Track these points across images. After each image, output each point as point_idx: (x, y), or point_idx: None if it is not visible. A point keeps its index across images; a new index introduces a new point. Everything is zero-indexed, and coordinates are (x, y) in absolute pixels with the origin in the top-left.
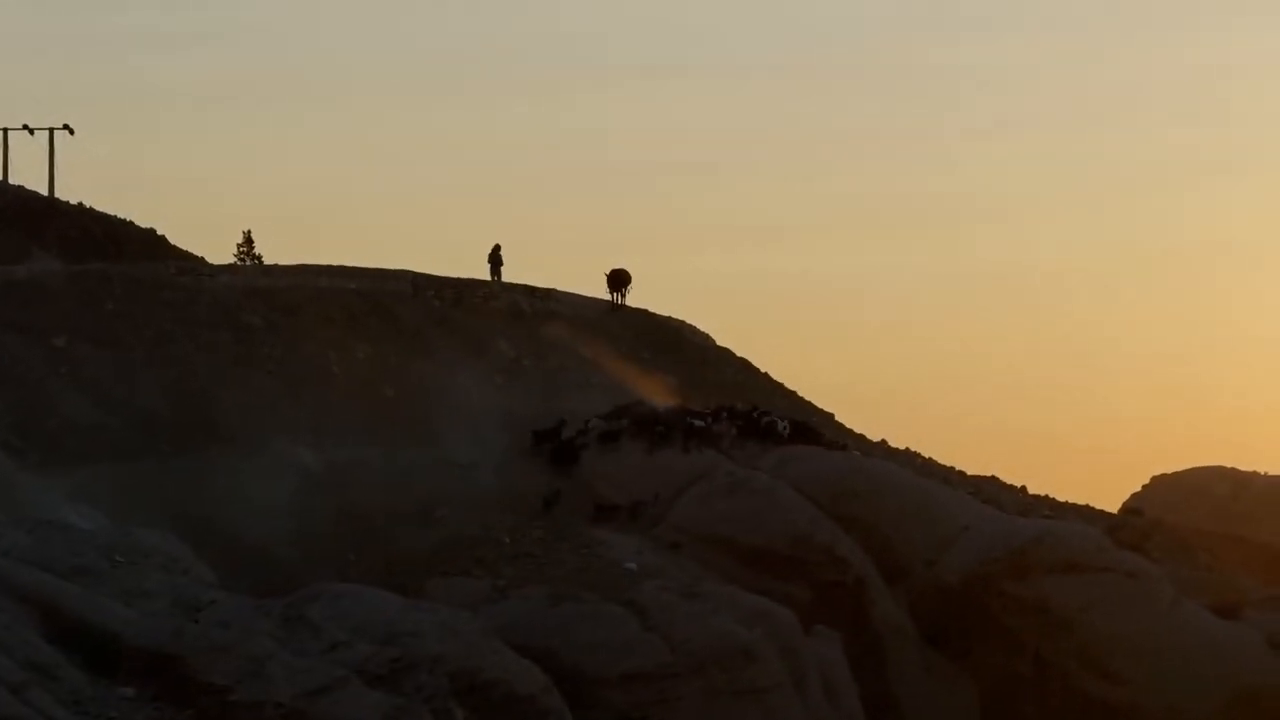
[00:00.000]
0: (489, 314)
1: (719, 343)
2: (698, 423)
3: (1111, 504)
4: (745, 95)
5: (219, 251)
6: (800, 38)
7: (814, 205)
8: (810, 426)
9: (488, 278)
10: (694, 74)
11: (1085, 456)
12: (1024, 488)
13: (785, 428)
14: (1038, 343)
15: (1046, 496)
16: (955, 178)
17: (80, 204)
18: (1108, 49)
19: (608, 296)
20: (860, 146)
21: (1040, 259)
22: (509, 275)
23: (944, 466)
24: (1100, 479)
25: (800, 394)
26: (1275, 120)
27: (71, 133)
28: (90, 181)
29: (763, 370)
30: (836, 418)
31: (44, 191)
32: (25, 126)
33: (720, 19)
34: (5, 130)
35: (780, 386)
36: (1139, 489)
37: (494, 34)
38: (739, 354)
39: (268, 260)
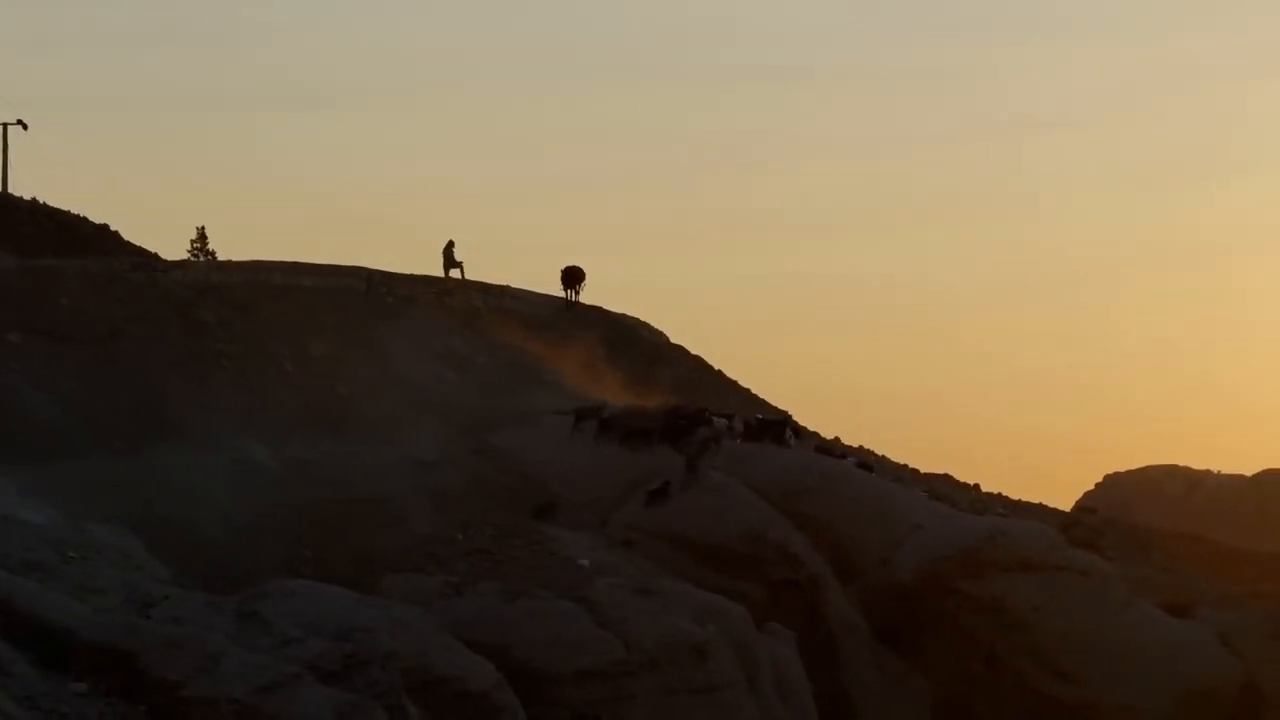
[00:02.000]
0: (443, 311)
1: (672, 340)
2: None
3: (1065, 502)
4: (701, 99)
5: (172, 247)
6: (754, 39)
7: (767, 206)
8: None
9: (441, 274)
10: (651, 77)
11: (1038, 455)
12: (977, 486)
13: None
14: (989, 343)
15: (1000, 495)
16: (913, 178)
17: (34, 199)
18: (1122, 48)
19: (562, 294)
20: (821, 147)
21: (991, 262)
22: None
23: (897, 465)
24: (1054, 477)
25: (754, 392)
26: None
27: (25, 128)
28: (43, 177)
29: (716, 368)
30: (792, 416)
31: None
32: None
33: (681, 22)
34: None
35: (734, 384)
36: (1092, 487)
37: (450, 35)
38: (693, 351)
39: (221, 256)
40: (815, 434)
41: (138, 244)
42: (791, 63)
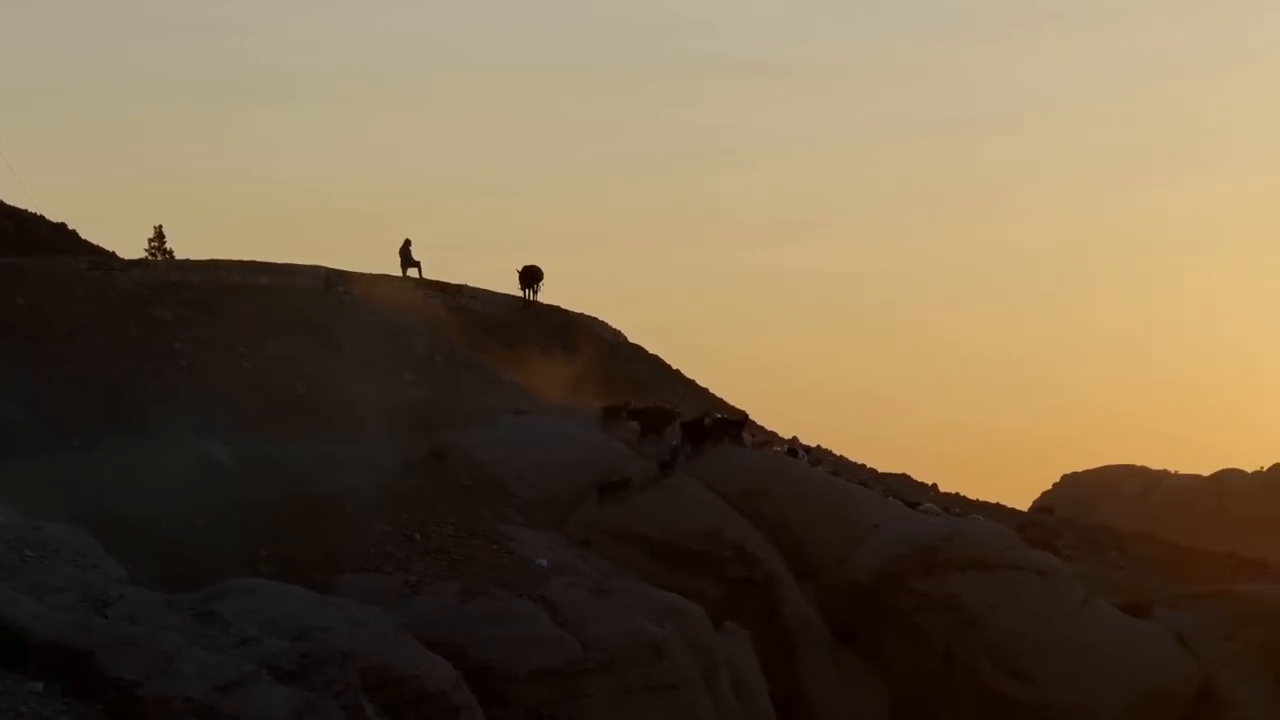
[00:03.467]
0: (400, 310)
1: (630, 339)
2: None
3: (1022, 502)
4: (664, 94)
5: (130, 246)
6: (717, 35)
7: (727, 202)
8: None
9: (399, 273)
10: (614, 72)
11: (996, 454)
12: (935, 485)
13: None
14: (948, 340)
15: (957, 494)
16: (876, 175)
17: None
18: (1087, 44)
19: (519, 293)
20: (784, 143)
21: (950, 258)
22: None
23: (855, 464)
24: (1011, 477)
25: (712, 391)
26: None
27: None
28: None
29: (674, 367)
30: (750, 415)
31: None
32: None
33: (643, 17)
34: None
35: (692, 384)
36: (1049, 487)
37: (407, 33)
38: (651, 350)
39: (179, 255)
40: (773, 433)
41: (95, 243)
42: (755, 59)
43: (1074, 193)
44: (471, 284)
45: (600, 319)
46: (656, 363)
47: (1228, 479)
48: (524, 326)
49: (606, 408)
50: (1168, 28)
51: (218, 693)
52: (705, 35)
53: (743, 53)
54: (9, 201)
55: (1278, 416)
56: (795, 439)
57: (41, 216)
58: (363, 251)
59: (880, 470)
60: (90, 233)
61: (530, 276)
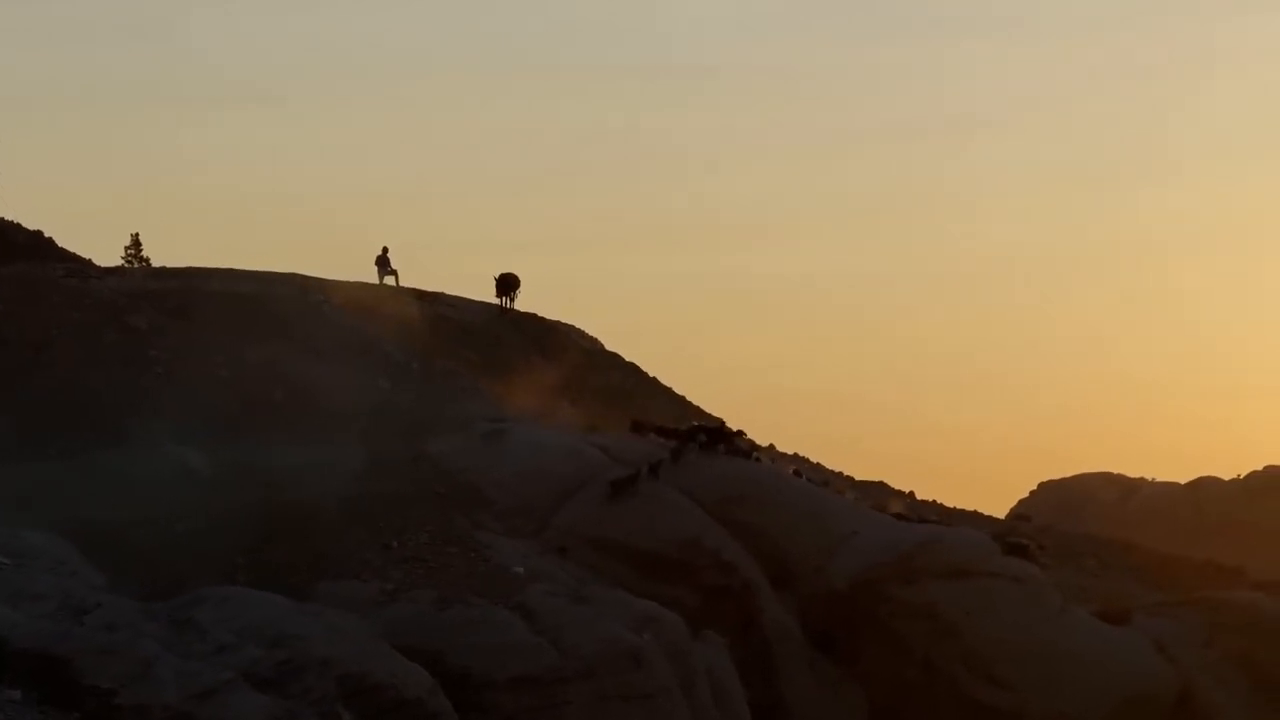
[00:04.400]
0: (377, 317)
1: (607, 347)
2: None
3: (999, 509)
4: (636, 99)
5: (107, 254)
6: (687, 40)
7: (702, 207)
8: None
9: (376, 280)
10: (584, 77)
11: (973, 462)
12: (912, 493)
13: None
14: (924, 347)
15: (934, 502)
16: (848, 178)
17: None
18: (1068, 47)
19: (496, 300)
20: (757, 148)
21: (925, 264)
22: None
23: (832, 472)
24: (988, 484)
25: (689, 399)
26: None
27: None
28: None
29: (651, 375)
30: (726, 423)
31: None
32: None
33: (615, 23)
34: None
35: (669, 391)
36: (1027, 494)
37: (383, 39)
38: (627, 359)
39: (155, 263)
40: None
41: (72, 250)
42: (725, 64)
43: (1050, 197)
44: (449, 291)
45: (577, 327)
46: (633, 370)
47: (1205, 486)
48: (501, 334)
49: (635, 422)
50: (1136, 33)
51: (195, 700)
52: (680, 41)
53: (717, 58)
54: None
55: (1255, 423)
56: (772, 446)
57: (18, 224)
58: (340, 259)
59: (858, 478)
60: (67, 240)
61: (507, 284)
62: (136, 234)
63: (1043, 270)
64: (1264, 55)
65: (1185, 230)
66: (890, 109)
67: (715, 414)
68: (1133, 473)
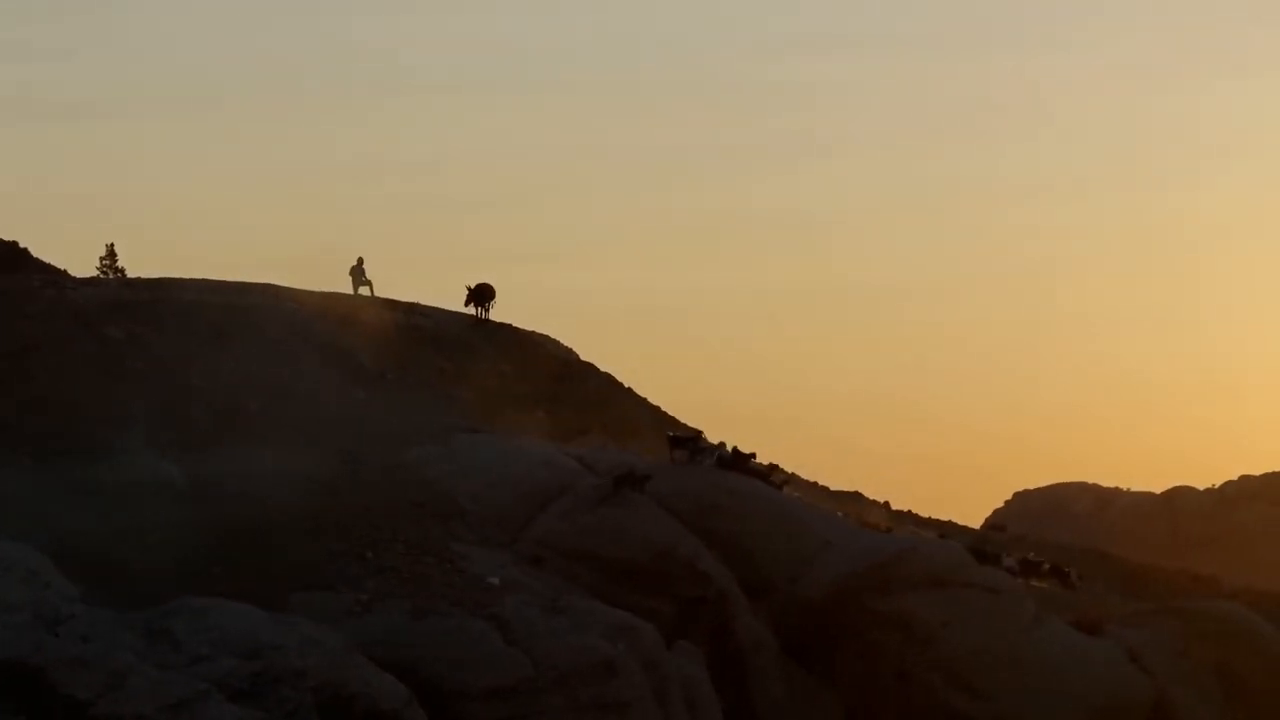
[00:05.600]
0: (352, 328)
1: (582, 357)
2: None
3: (974, 519)
4: (597, 114)
5: (82, 265)
6: (643, 57)
7: (675, 220)
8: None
9: (351, 290)
10: (560, 90)
11: (948, 472)
12: (887, 503)
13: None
14: (897, 358)
15: (909, 512)
16: (802, 194)
17: None
18: (944, 67)
19: (471, 311)
20: (709, 164)
21: (897, 274)
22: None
23: (807, 482)
24: (963, 495)
25: (664, 409)
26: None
27: None
28: None
29: (626, 385)
30: (704, 435)
31: None
32: None
33: (556, 38)
34: None
35: (644, 402)
36: (1001, 505)
37: (357, 51)
38: (602, 369)
39: (130, 273)
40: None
41: (47, 261)
42: (690, 77)
43: (1027, 206)
44: (423, 302)
45: (552, 337)
46: (608, 380)
47: (1181, 496)
48: (476, 344)
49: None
50: (1063, 49)
51: (169, 711)
52: (663, 54)
53: (693, 71)
54: None
55: (1230, 434)
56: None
57: None
58: (315, 269)
59: (833, 488)
60: (42, 251)
61: (482, 294)
62: (111, 244)
63: (1018, 281)
64: (1246, 60)
65: (1164, 240)
66: (861, 120)
67: (690, 424)
68: (1108, 483)
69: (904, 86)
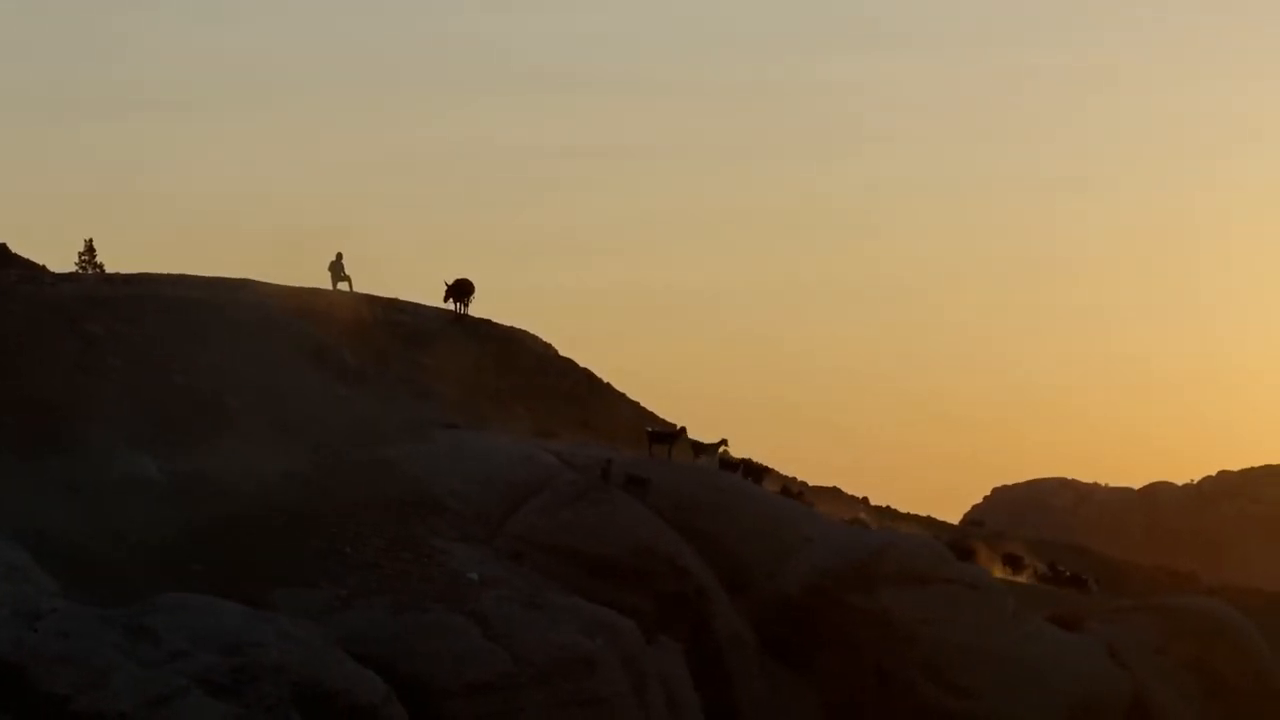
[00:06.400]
0: (331, 323)
1: (561, 353)
2: None
3: (953, 515)
4: (580, 112)
5: (61, 260)
6: (627, 55)
7: (654, 217)
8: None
9: (330, 286)
10: (525, 90)
11: (927, 468)
12: (866, 499)
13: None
14: (878, 354)
15: (888, 507)
16: (784, 191)
17: None
18: (950, 62)
19: (450, 306)
20: (690, 161)
21: (877, 271)
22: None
23: (786, 477)
24: (942, 490)
25: (644, 405)
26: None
27: None
28: None
29: (605, 380)
30: (685, 430)
31: None
32: None
33: (543, 36)
34: None
35: (623, 397)
36: (980, 500)
37: (339, 47)
38: (581, 364)
39: (109, 269)
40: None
41: (26, 257)
42: (685, 75)
43: (1000, 204)
44: (403, 297)
45: (531, 332)
46: (587, 376)
47: (1159, 492)
48: (455, 340)
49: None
50: (1028, 45)
51: (150, 707)
52: (628, 54)
53: (668, 72)
54: None
55: (1208, 430)
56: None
57: None
58: (294, 265)
59: (811, 484)
60: (20, 247)
61: (461, 290)
62: (90, 240)
63: (994, 278)
64: (1246, 60)
65: (1148, 238)
66: (835, 122)
67: (669, 419)
68: (1086, 478)
69: (886, 85)
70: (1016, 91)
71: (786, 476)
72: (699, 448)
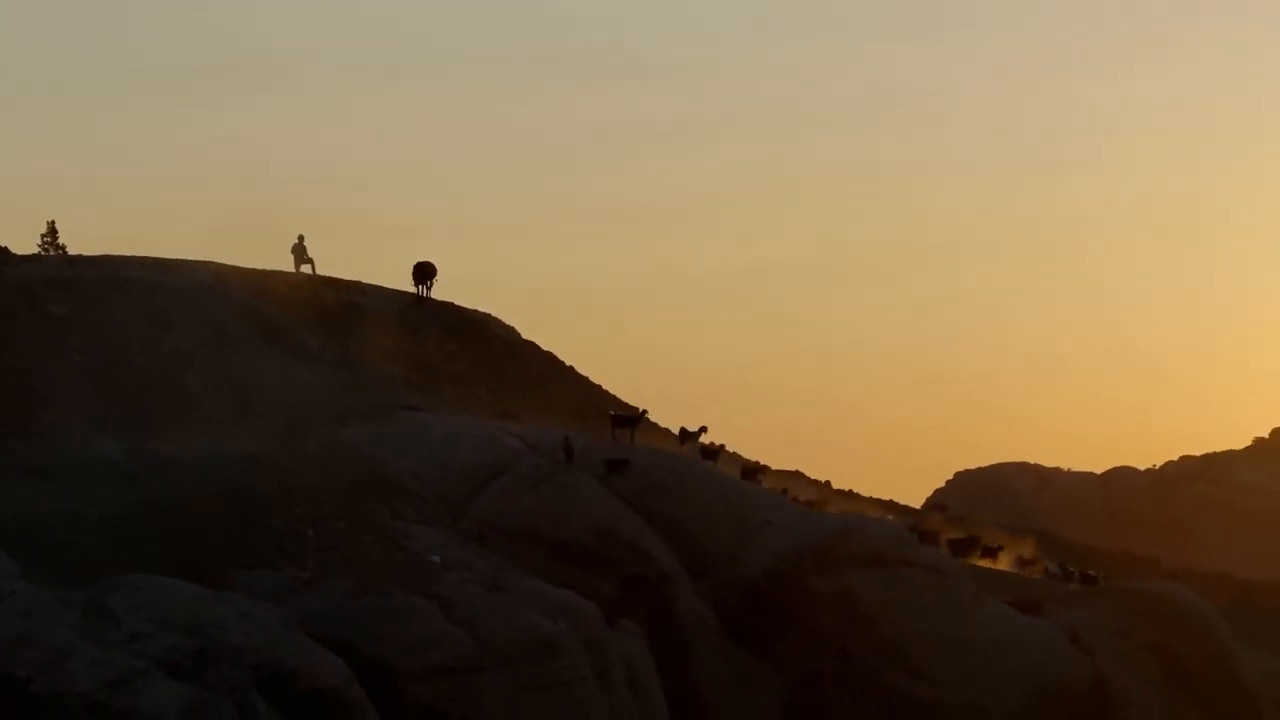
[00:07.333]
0: (293, 306)
1: (524, 336)
2: None
3: (915, 499)
4: (542, 93)
5: (22, 242)
6: (585, 37)
7: (619, 200)
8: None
9: (293, 269)
10: (491, 72)
11: (889, 452)
12: (828, 482)
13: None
14: (838, 339)
15: (850, 491)
16: (735, 176)
17: None
18: (846, 51)
19: (413, 289)
20: (648, 145)
21: (839, 256)
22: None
23: (749, 461)
24: (904, 475)
25: (607, 389)
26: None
27: None
28: None
29: (568, 364)
30: (649, 415)
31: None
32: None
33: (502, 15)
34: None
35: (586, 380)
36: (942, 484)
37: (304, 27)
38: (544, 348)
39: (72, 251)
40: (666, 430)
41: None
42: (654, 59)
43: (970, 186)
44: (365, 280)
45: (494, 315)
46: (550, 359)
47: (1120, 477)
48: (418, 323)
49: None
50: (972, 33)
51: (110, 688)
52: (603, 33)
53: (647, 53)
54: None
55: (1170, 415)
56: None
57: None
58: (257, 248)
59: (774, 467)
60: None
61: (424, 273)
62: (52, 222)
63: (958, 259)
64: (1151, 49)
65: (1102, 221)
66: (782, 104)
67: (632, 402)
68: (1048, 463)
69: (819, 70)
70: (925, 77)
71: (748, 459)
72: (685, 435)
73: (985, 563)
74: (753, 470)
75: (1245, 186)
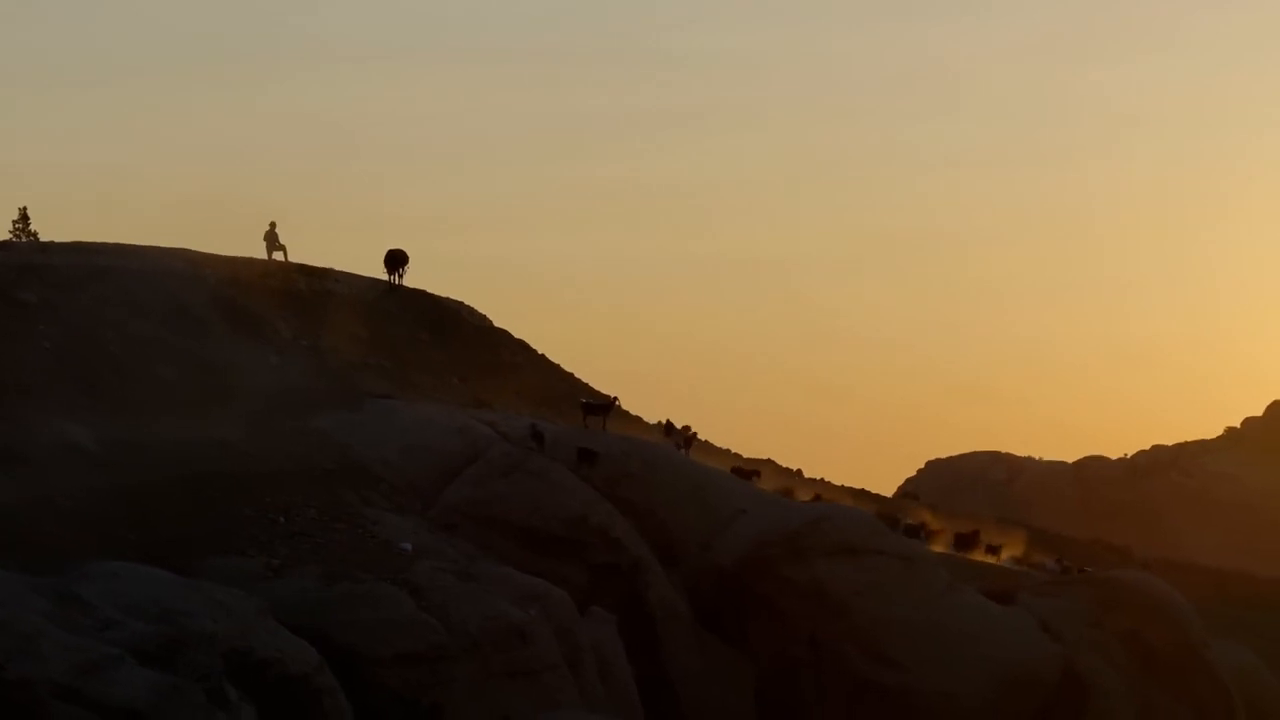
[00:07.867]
0: (265, 293)
1: (496, 324)
2: None
3: (887, 488)
4: (514, 81)
5: None
6: (546, 26)
7: (592, 187)
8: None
9: (265, 256)
10: (467, 60)
11: (861, 440)
12: (800, 471)
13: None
14: (809, 328)
15: (822, 480)
16: (708, 167)
17: None
18: (845, 37)
19: (386, 277)
20: (625, 132)
21: (815, 245)
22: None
23: (721, 449)
24: (876, 463)
25: (579, 377)
26: (1001, 113)
27: None
28: None
29: (540, 352)
30: (619, 402)
31: None
32: None
33: (469, 6)
34: None
35: (558, 368)
36: (914, 473)
37: (273, 13)
38: (516, 335)
39: (44, 238)
40: (638, 418)
41: None
42: (608, 46)
43: (947, 177)
44: (337, 267)
45: (466, 303)
46: (523, 347)
47: (1092, 466)
48: (390, 310)
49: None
50: (973, 20)
51: (80, 675)
52: (566, 23)
53: (617, 40)
54: None
55: (1141, 404)
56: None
57: None
58: (228, 234)
59: (746, 455)
60: None
61: (396, 260)
62: (24, 208)
63: (933, 252)
64: (1148, 38)
65: (1073, 213)
66: (770, 92)
67: (604, 390)
68: (1020, 452)
69: (810, 57)
70: (922, 64)
71: (722, 449)
72: (670, 429)
73: (989, 559)
74: (748, 474)
75: (1249, 177)
